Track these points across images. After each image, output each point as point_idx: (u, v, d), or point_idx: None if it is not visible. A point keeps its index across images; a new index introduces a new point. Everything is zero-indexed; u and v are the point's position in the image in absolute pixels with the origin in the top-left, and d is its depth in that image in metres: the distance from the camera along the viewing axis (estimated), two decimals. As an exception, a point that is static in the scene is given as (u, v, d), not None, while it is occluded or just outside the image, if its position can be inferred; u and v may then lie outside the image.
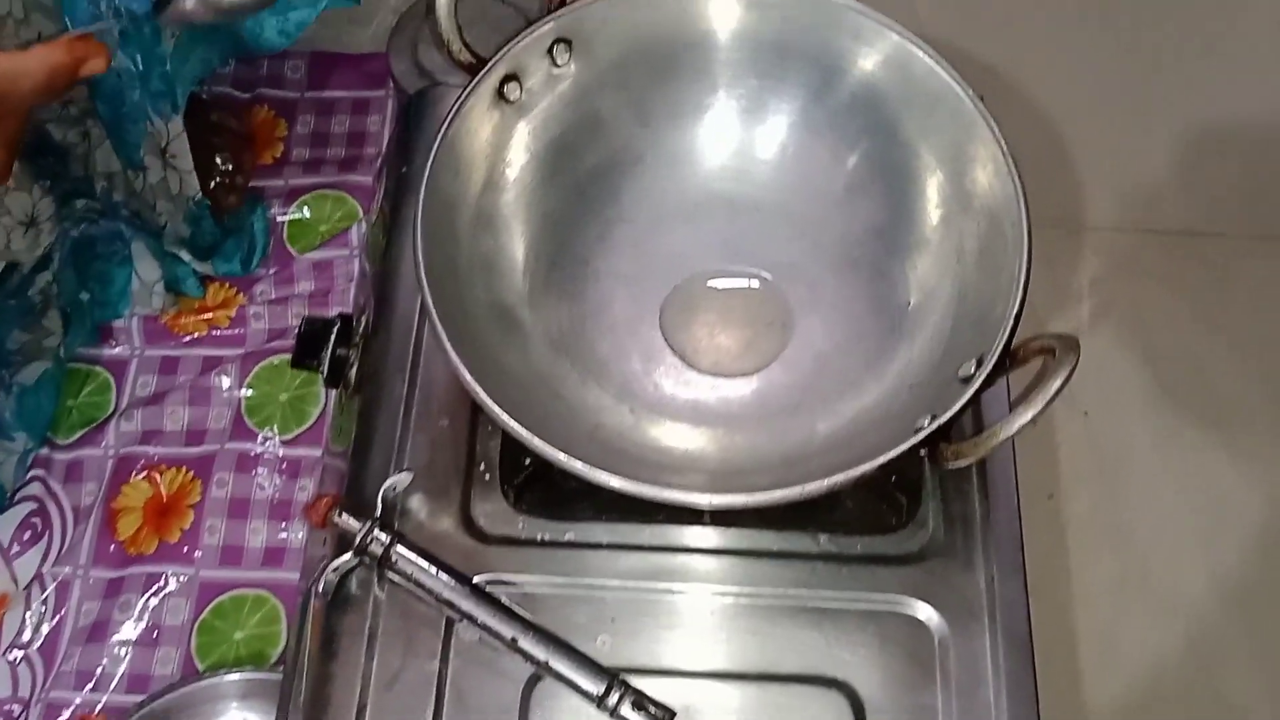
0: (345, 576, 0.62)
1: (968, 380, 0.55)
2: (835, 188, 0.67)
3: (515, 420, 0.53)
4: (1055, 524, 0.81)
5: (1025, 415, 0.49)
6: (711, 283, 0.67)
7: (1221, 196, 0.92)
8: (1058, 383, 0.49)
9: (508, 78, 0.63)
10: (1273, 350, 0.86)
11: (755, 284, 0.67)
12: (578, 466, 0.52)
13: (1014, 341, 0.55)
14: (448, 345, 0.54)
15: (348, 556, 0.61)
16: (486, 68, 0.61)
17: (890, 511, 0.63)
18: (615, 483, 0.52)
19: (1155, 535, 0.80)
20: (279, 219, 0.93)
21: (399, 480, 0.63)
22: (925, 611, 0.60)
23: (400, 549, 0.60)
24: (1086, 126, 0.95)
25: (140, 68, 0.73)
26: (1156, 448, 0.83)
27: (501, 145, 0.64)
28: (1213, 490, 0.81)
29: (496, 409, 0.53)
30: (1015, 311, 0.55)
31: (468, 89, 0.61)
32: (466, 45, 0.61)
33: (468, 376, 0.54)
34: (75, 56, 0.55)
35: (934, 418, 0.53)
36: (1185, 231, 0.90)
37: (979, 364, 0.55)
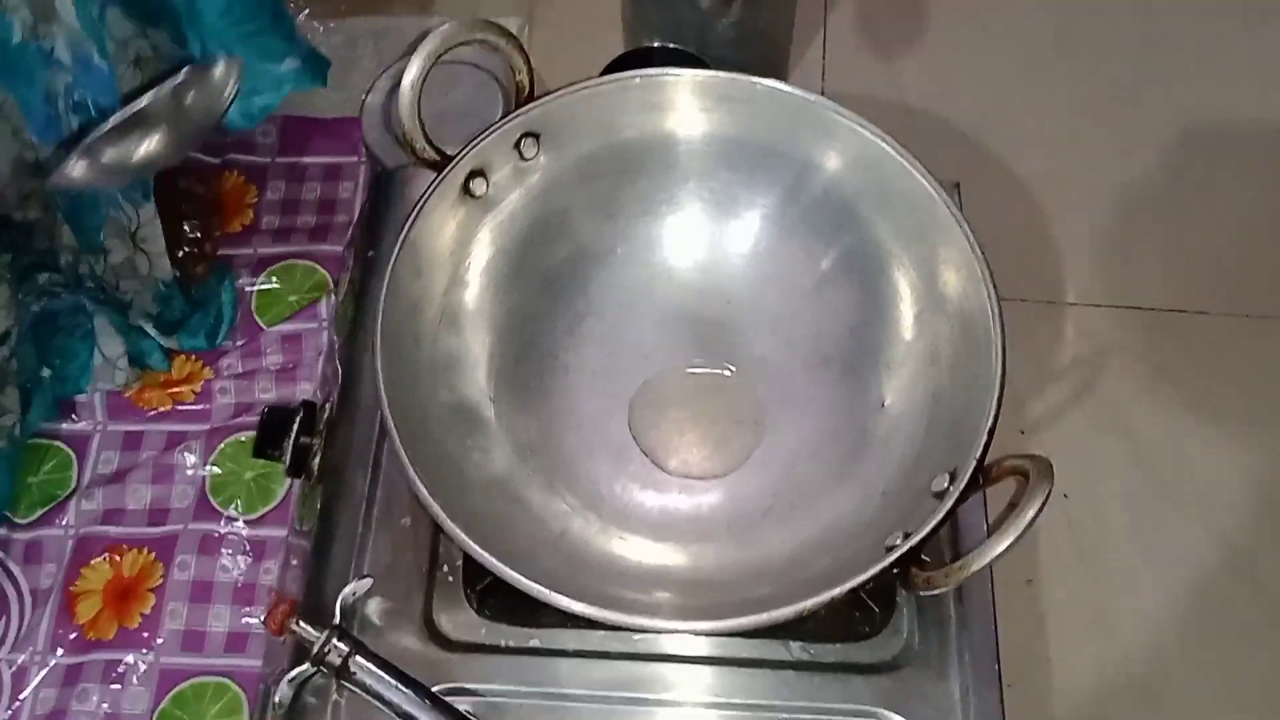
0: (303, 685, 0.61)
1: (940, 495, 0.53)
2: (808, 284, 0.66)
3: (471, 537, 0.52)
4: (1034, 611, 0.79)
5: (998, 546, 0.48)
6: (681, 378, 0.66)
7: (1204, 274, 0.91)
8: (1032, 512, 0.48)
9: (474, 173, 0.61)
10: (1256, 432, 0.85)
11: (727, 373, 0.66)
12: (537, 590, 0.51)
13: (988, 456, 0.53)
14: (404, 459, 0.53)
15: (305, 667, 0.59)
16: (452, 164, 0.60)
17: (863, 619, 0.61)
18: (577, 608, 0.50)
19: (1136, 623, 0.79)
20: (247, 289, 0.91)
21: (359, 587, 0.61)
22: (899, 724, 0.58)
23: (359, 659, 0.58)
24: (1069, 200, 0.95)
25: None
26: (1137, 533, 0.82)
27: (466, 241, 0.63)
28: (1195, 577, 0.80)
29: (452, 526, 0.52)
30: (990, 425, 0.53)
31: (431, 187, 0.60)
32: (430, 143, 0.59)
33: (424, 493, 0.52)
34: None
35: (906, 536, 0.52)
36: (1169, 309, 0.89)
37: (952, 479, 0.54)
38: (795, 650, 0.60)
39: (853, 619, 0.61)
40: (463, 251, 0.63)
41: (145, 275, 0.83)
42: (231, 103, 0.72)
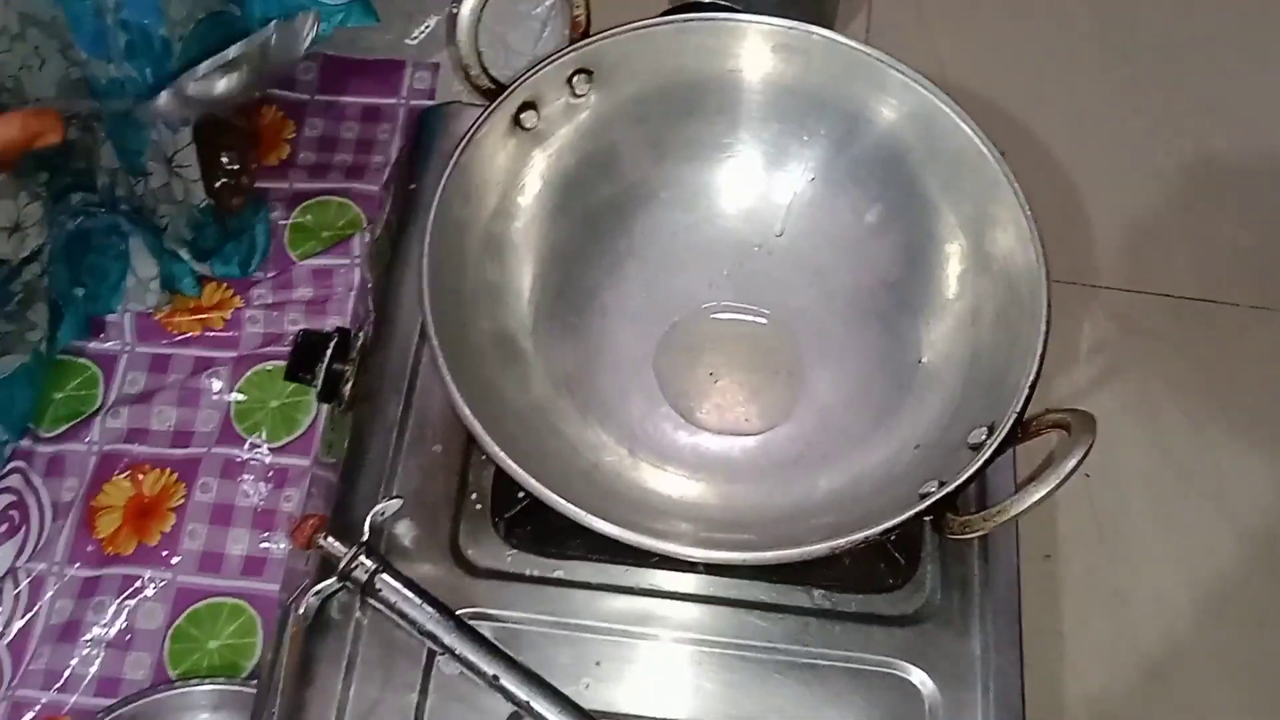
0: (326, 600, 0.61)
1: (978, 448, 0.54)
2: (852, 236, 0.66)
3: (509, 456, 0.52)
4: (1051, 586, 0.80)
5: (1037, 493, 0.48)
6: (714, 323, 0.66)
7: (1237, 265, 0.91)
8: (1073, 462, 0.48)
9: (525, 105, 0.61)
10: (1278, 422, 0.85)
11: (761, 320, 0.66)
12: (571, 510, 0.51)
13: (1027, 412, 0.54)
14: (448, 377, 0.53)
15: (331, 581, 0.59)
16: (505, 94, 0.60)
17: (888, 571, 0.62)
18: (610, 530, 0.51)
19: (1151, 603, 0.79)
20: (281, 223, 0.91)
21: (388, 507, 0.61)
22: (918, 676, 0.58)
23: (385, 577, 0.59)
24: (1104, 184, 0.95)
25: (150, 79, 0.72)
26: (1157, 516, 0.82)
27: (515, 172, 0.63)
28: (1210, 561, 0.80)
29: (493, 445, 0.52)
30: (1031, 381, 0.54)
31: (484, 114, 0.60)
32: (485, 70, 0.60)
33: (466, 411, 0.53)
34: (29, 133, 0.57)
35: (942, 484, 0.52)
36: (1199, 297, 0.89)
37: (990, 432, 0.54)
38: (817, 597, 0.60)
39: (877, 571, 0.62)
40: (510, 182, 0.63)
41: (181, 200, 0.83)
42: (310, 45, 0.74)
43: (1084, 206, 0.94)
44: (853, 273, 0.66)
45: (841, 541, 0.50)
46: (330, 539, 0.60)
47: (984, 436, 0.54)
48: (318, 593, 0.60)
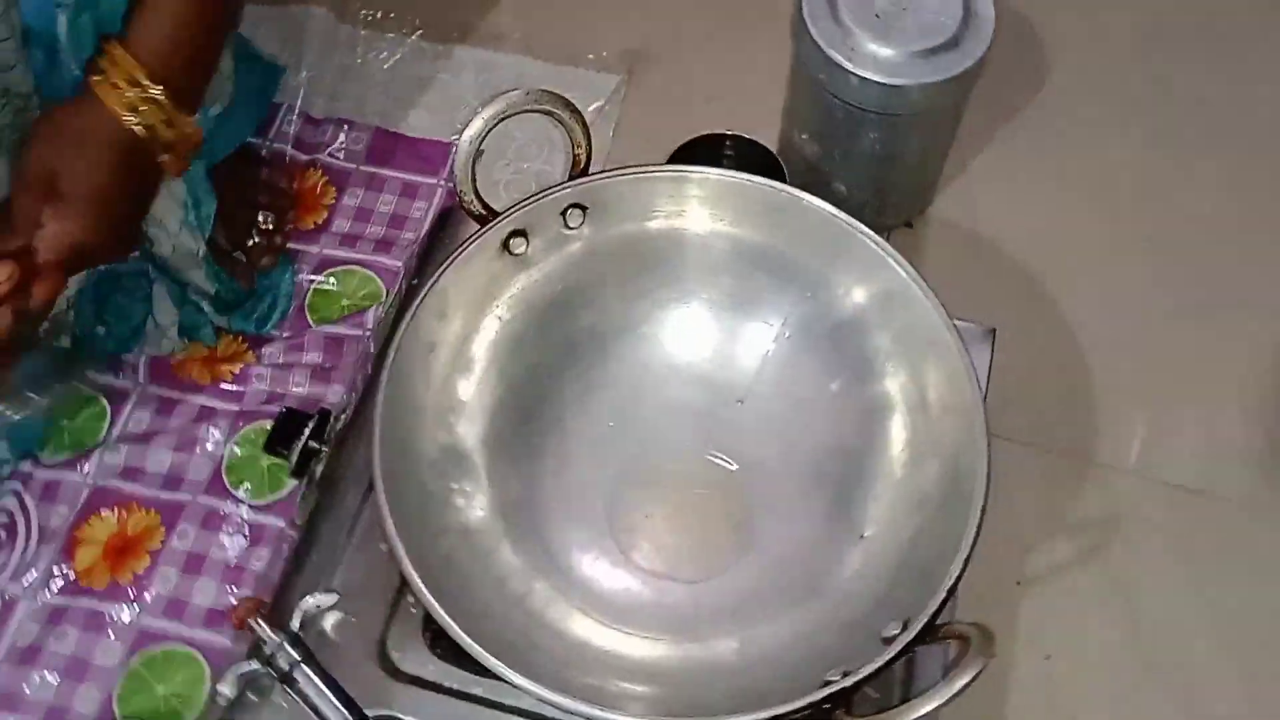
0: (250, 682, 0.63)
1: (889, 642, 0.54)
2: (816, 399, 0.67)
3: (428, 585, 0.53)
4: (992, 765, 0.79)
5: (921, 709, 0.48)
6: (676, 460, 0.67)
7: (1236, 461, 0.90)
8: (963, 681, 0.48)
9: (516, 232, 0.64)
10: (1258, 627, 0.83)
11: (728, 468, 0.67)
12: (479, 653, 0.52)
13: (945, 614, 0.54)
14: (382, 499, 0.55)
15: (254, 665, 0.61)
16: (496, 221, 0.63)
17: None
18: (517, 680, 0.52)
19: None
20: (305, 284, 0.94)
21: (322, 600, 0.64)
22: None
23: (305, 669, 0.61)
24: (1118, 362, 0.94)
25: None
26: (1118, 704, 0.80)
27: (496, 295, 0.65)
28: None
29: (414, 576, 0.53)
30: (950, 586, 0.54)
31: (472, 239, 0.62)
32: (479, 197, 0.62)
33: (394, 536, 0.54)
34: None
35: (846, 674, 0.53)
36: (1199, 489, 0.88)
37: (904, 628, 0.54)
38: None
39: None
40: (490, 304, 0.65)
41: (195, 255, 0.86)
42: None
43: (1091, 379, 0.94)
44: (814, 434, 0.66)
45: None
46: (262, 623, 0.62)
47: (896, 631, 0.54)
48: (241, 674, 0.62)
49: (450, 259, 0.61)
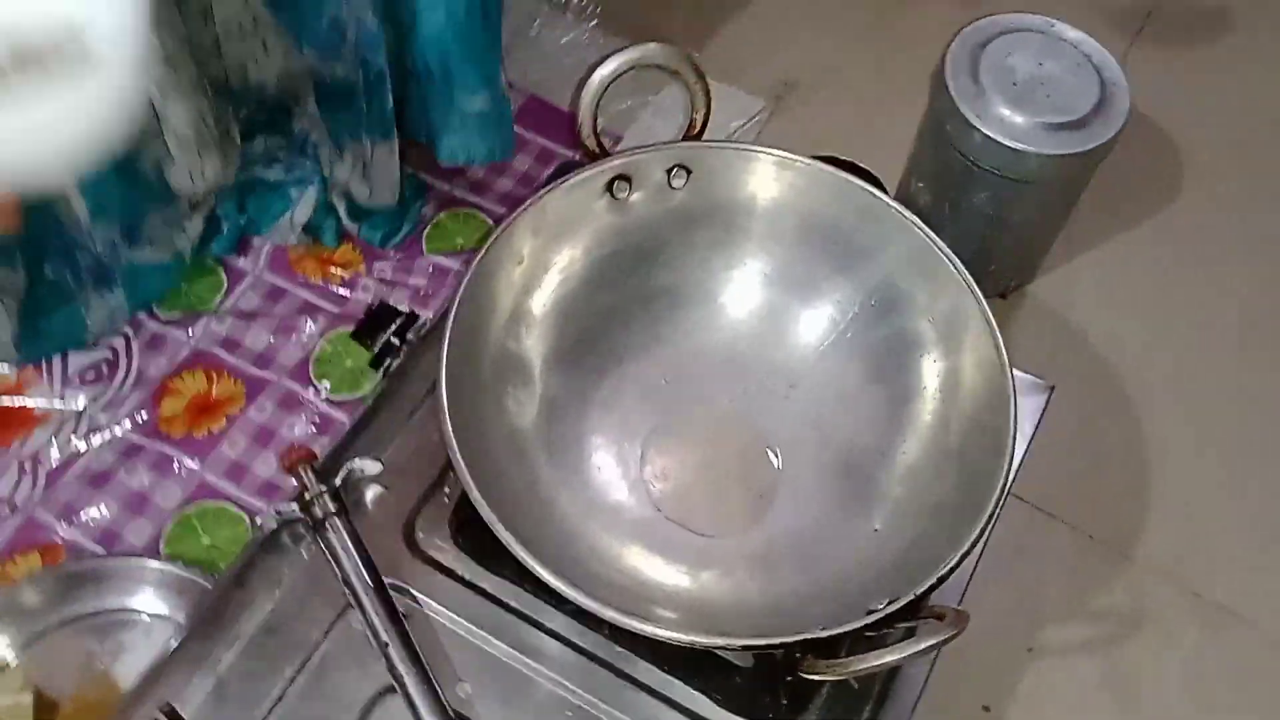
0: (286, 524, 0.68)
1: (869, 613, 0.56)
2: (861, 397, 0.69)
3: (477, 484, 0.57)
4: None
5: (883, 659, 0.50)
6: (721, 423, 0.71)
7: (1272, 586, 0.89)
8: (927, 643, 0.50)
9: (621, 177, 0.68)
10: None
11: (763, 443, 0.70)
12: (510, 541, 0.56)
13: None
14: (443, 385, 0.59)
15: (292, 506, 0.66)
16: (608, 160, 0.67)
17: (771, 705, 0.63)
18: (537, 567, 0.55)
19: None
20: (429, 215, 1.01)
21: (366, 465, 0.68)
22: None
23: (337, 521, 0.65)
24: (1175, 458, 0.94)
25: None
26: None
27: (589, 230, 0.69)
28: None
29: (471, 485, 0.57)
30: (942, 574, 0.56)
31: (581, 170, 0.67)
32: (596, 134, 0.67)
33: (450, 435, 0.58)
34: None
35: (823, 629, 0.55)
36: (1224, 605, 0.88)
37: (890, 603, 0.56)
38: (704, 704, 0.63)
39: (761, 703, 0.63)
40: (582, 236, 0.69)
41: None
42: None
43: (1152, 482, 0.94)
44: (850, 430, 0.69)
45: (700, 639, 0.54)
46: (308, 471, 0.67)
47: (882, 604, 0.56)
48: (280, 512, 0.67)
49: (558, 183, 0.66)
